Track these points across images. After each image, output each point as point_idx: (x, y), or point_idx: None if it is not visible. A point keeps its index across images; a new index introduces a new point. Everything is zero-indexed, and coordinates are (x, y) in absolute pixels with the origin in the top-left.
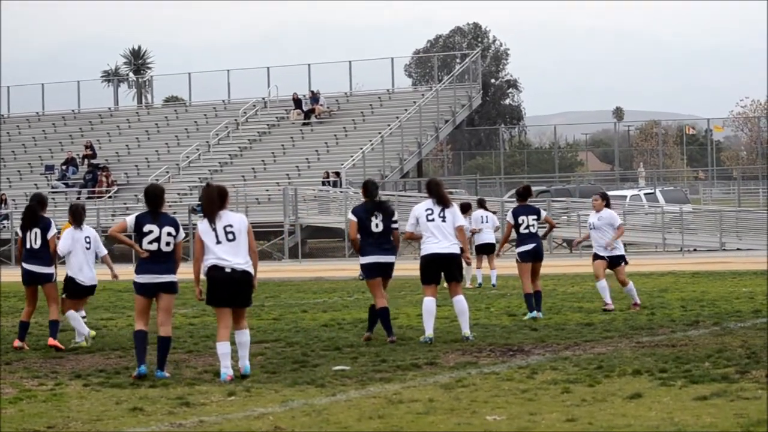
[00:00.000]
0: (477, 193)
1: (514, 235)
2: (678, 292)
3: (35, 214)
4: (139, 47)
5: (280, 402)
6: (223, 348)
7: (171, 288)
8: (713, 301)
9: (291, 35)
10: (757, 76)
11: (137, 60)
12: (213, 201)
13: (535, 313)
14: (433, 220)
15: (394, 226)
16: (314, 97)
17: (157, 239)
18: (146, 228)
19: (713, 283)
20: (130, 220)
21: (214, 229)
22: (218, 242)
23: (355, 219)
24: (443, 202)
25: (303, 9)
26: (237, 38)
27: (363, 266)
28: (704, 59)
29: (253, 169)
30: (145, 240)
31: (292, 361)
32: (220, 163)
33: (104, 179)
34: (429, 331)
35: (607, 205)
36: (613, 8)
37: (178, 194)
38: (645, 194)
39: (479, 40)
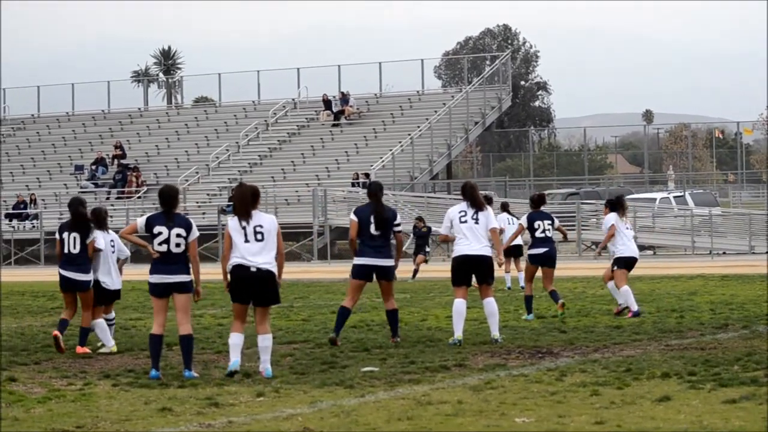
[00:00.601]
0: (506, 195)
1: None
2: (707, 295)
3: (83, 217)
4: (169, 47)
5: (309, 403)
6: (235, 339)
7: (184, 288)
8: (742, 304)
9: (321, 36)
10: None
11: (167, 60)
12: (246, 200)
13: (532, 316)
14: (465, 222)
15: (397, 229)
16: (344, 98)
17: (167, 241)
18: (156, 230)
19: (742, 286)
20: (141, 221)
21: (244, 228)
22: (246, 241)
23: (356, 219)
24: (477, 205)
25: (333, 10)
26: (267, 39)
27: (353, 266)
28: (735, 63)
29: (282, 170)
30: (155, 242)
31: (321, 362)
32: (249, 163)
33: (134, 179)
34: (458, 333)
35: (613, 209)
36: (644, 12)
37: (208, 195)
38: (674, 197)
39: (509, 42)
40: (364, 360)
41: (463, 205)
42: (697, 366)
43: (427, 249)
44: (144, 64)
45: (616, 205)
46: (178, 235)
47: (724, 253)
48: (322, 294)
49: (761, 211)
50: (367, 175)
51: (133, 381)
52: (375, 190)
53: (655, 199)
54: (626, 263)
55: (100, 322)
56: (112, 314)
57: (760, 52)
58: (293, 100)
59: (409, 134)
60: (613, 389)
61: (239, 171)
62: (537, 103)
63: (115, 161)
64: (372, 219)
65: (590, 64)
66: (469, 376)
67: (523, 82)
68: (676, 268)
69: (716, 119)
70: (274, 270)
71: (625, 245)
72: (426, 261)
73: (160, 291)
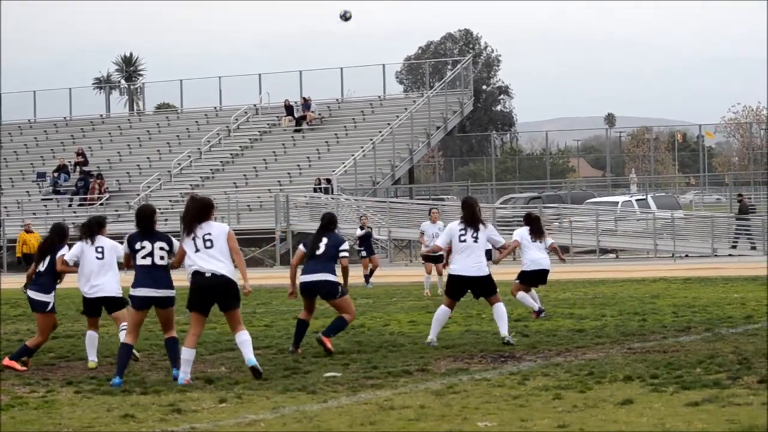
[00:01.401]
0: None
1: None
2: (670, 298)
3: (51, 246)
4: (131, 54)
5: (272, 409)
6: (187, 354)
7: (167, 302)
8: (705, 307)
9: (283, 42)
10: (749, 82)
11: (129, 67)
12: (195, 213)
13: None
14: (465, 241)
15: (342, 254)
16: (306, 104)
17: (150, 254)
18: (138, 245)
19: (705, 289)
20: (124, 247)
21: (194, 239)
22: (197, 251)
23: (303, 250)
24: (475, 222)
25: (295, 15)
26: (229, 45)
27: (299, 284)
28: (697, 65)
29: (244, 176)
30: (138, 255)
31: (284, 367)
32: (211, 170)
33: (97, 186)
34: (431, 336)
35: (527, 224)
36: (604, 14)
37: (170, 201)
38: (637, 200)
39: (471, 46)
40: (327, 365)
41: (462, 223)
42: (660, 369)
43: (375, 250)
44: (106, 70)
45: (531, 222)
46: (162, 248)
47: (686, 255)
48: (285, 299)
49: (724, 214)
50: (328, 181)
51: (96, 388)
52: (326, 222)
53: (617, 203)
54: (529, 278)
55: (90, 334)
56: (123, 325)
57: (724, 54)
58: (255, 106)
59: (371, 139)
60: (576, 393)
61: (201, 177)
62: (499, 108)
63: (77, 168)
64: (318, 243)
65: (552, 67)
66: (431, 380)
67: (484, 87)
68: (638, 272)
69: (678, 122)
70: (230, 275)
71: (530, 260)
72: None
73: (143, 304)
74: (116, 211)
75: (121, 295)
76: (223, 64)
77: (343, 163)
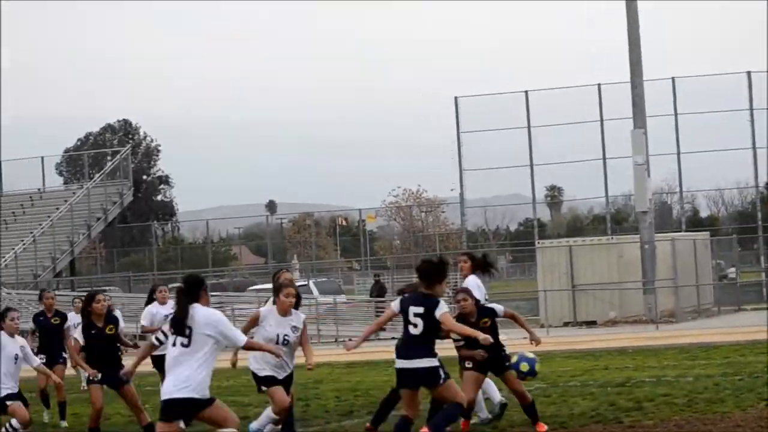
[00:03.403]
0: (130, 290)
1: None
2: (333, 383)
3: None
4: None
5: None
6: None
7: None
8: (367, 390)
9: None
10: (408, 166)
11: None
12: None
13: None
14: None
15: None
16: None
17: None
18: None
19: (368, 372)
20: None
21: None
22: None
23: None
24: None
25: None
26: None
27: None
28: (356, 149)
29: None
30: None
31: None
32: None
33: None
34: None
35: None
36: (261, 99)
37: None
38: (298, 286)
39: (130, 136)
40: None
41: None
42: None
43: None
44: None
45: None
46: None
47: (350, 340)
48: None
49: (388, 298)
50: None
51: None
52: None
53: None
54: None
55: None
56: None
57: (380, 137)
58: None
59: (31, 232)
60: None
61: None
62: (160, 197)
63: None
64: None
65: (212, 156)
66: None
67: (145, 177)
68: (299, 358)
69: (339, 207)
70: None
71: None
72: None
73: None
74: None
75: None
76: None
77: (4, 257)
